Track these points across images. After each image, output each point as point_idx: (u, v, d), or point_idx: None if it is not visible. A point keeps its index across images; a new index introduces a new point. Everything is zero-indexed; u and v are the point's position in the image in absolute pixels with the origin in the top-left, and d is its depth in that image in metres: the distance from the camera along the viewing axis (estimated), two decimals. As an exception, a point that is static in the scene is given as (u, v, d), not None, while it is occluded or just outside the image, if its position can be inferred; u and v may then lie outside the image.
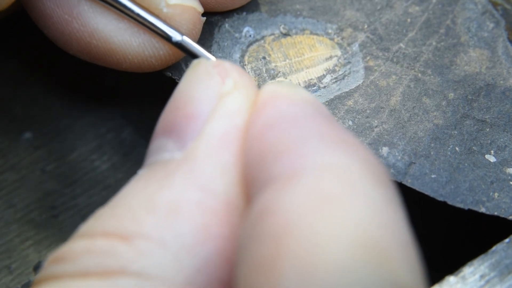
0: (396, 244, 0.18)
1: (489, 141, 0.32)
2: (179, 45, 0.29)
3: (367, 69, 0.33)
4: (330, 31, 0.34)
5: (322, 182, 0.19)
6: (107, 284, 0.19)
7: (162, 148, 0.23)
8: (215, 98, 0.23)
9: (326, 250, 0.17)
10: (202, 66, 0.24)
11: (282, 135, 0.20)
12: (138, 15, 0.29)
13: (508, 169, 0.31)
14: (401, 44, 0.34)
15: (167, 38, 0.29)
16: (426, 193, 0.30)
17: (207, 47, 0.34)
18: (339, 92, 0.33)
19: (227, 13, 0.34)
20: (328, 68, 0.33)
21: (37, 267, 0.33)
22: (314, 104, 0.22)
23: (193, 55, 0.29)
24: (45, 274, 0.20)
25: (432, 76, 0.33)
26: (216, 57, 0.33)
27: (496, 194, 0.30)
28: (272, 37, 0.34)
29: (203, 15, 0.31)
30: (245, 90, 0.23)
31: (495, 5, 0.35)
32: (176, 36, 0.29)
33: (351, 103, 0.32)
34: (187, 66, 0.33)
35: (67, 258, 0.20)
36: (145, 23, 0.29)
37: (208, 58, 0.28)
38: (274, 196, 0.19)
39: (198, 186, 0.21)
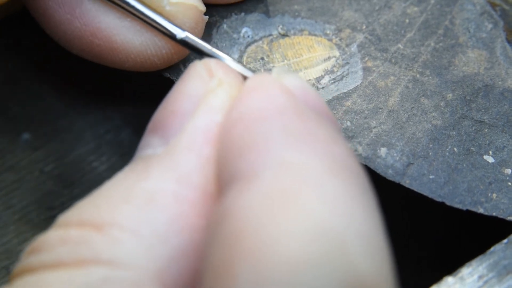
0: (357, 235, 0.18)
1: (487, 141, 0.32)
2: (184, 42, 0.29)
3: (366, 69, 0.33)
4: (328, 31, 0.34)
5: (278, 180, 0.19)
6: (79, 273, 0.19)
7: (147, 145, 0.23)
8: (199, 96, 0.23)
9: (278, 248, 0.17)
10: (193, 66, 0.24)
11: (248, 130, 0.21)
12: (141, 12, 0.29)
13: (507, 169, 0.31)
14: (400, 45, 0.34)
15: (171, 35, 0.29)
16: (424, 193, 0.30)
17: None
18: (337, 93, 0.33)
19: (225, 14, 0.34)
20: (326, 69, 0.33)
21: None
22: (293, 95, 0.22)
23: (198, 51, 0.29)
24: (21, 266, 0.20)
25: (430, 77, 0.33)
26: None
27: (494, 195, 0.30)
28: (271, 38, 0.34)
29: (205, 14, 0.31)
30: (228, 87, 0.23)
31: (493, 5, 0.35)
32: (180, 33, 0.29)
33: (350, 104, 0.32)
34: (185, 67, 0.33)
35: (42, 248, 0.20)
36: (148, 21, 0.29)
37: (212, 53, 0.28)
38: (233, 198, 0.19)
39: (175, 178, 0.21)
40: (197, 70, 0.24)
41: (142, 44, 0.30)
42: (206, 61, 0.24)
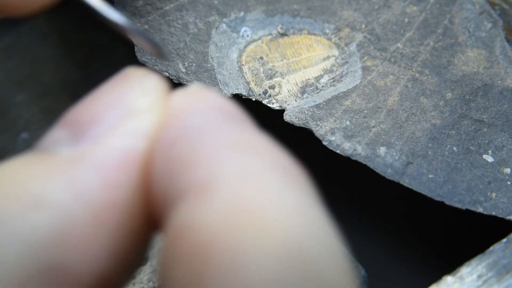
0: (321, 244, 0.18)
1: (486, 141, 0.32)
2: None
3: (365, 69, 0.33)
4: (327, 31, 0.34)
5: (237, 191, 0.18)
6: None
7: (55, 138, 0.22)
8: (127, 111, 0.22)
9: (249, 264, 0.17)
10: (132, 74, 0.23)
11: (191, 146, 0.20)
12: None
13: (506, 169, 0.31)
14: (399, 44, 0.34)
15: None
16: (423, 193, 0.30)
17: (205, 47, 0.33)
18: (336, 92, 0.33)
19: (224, 13, 0.34)
20: (325, 68, 0.33)
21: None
22: (223, 109, 0.22)
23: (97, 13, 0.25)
24: None
25: (429, 76, 0.33)
26: (213, 57, 0.33)
27: (493, 194, 0.30)
28: (270, 37, 0.34)
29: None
30: (157, 113, 0.23)
31: (492, 5, 0.35)
32: None
33: (349, 103, 0.32)
34: (184, 66, 0.33)
35: None
36: None
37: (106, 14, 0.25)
38: (190, 211, 0.19)
39: (72, 191, 0.20)
40: (134, 80, 0.23)
41: None
42: (148, 75, 0.23)
